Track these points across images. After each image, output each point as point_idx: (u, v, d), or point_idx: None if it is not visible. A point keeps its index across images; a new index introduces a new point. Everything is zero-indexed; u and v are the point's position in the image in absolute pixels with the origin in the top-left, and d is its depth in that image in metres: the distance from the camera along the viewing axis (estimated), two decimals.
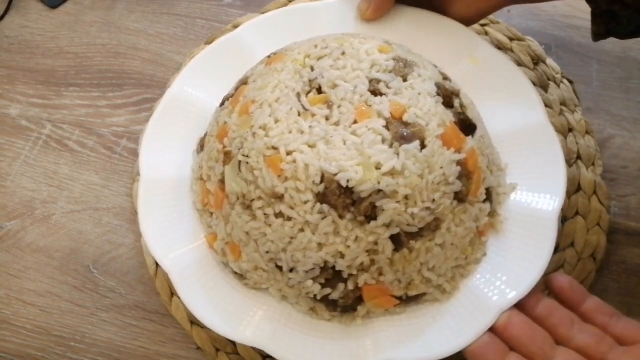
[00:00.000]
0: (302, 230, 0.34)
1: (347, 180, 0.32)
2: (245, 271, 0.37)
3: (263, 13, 0.60)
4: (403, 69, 0.36)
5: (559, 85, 0.55)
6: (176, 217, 0.39)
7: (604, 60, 0.57)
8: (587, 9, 0.61)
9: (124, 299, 0.48)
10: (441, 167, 0.34)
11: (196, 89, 0.43)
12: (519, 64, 0.56)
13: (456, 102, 0.37)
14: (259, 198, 0.35)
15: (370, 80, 0.36)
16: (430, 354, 0.34)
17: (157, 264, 0.48)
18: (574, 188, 0.50)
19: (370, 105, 0.35)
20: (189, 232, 0.39)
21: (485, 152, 0.37)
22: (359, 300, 0.36)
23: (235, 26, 0.59)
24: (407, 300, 0.36)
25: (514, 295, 0.35)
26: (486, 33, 0.58)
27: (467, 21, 0.46)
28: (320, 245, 0.34)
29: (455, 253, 0.36)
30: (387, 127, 0.34)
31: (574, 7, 0.61)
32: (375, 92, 0.35)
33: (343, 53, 0.37)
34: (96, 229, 0.51)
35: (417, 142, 0.33)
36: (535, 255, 0.36)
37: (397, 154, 0.33)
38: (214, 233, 0.38)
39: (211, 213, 0.39)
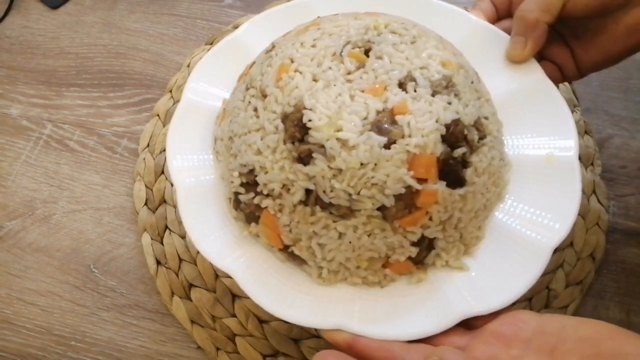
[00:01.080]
0: (257, 130, 0.37)
1: (309, 120, 0.34)
2: (217, 137, 0.41)
3: None
4: (442, 87, 0.36)
5: (558, 86, 0.55)
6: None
7: None
8: None
9: (125, 299, 0.48)
10: (387, 175, 0.34)
11: (255, 42, 0.45)
12: None
13: (460, 150, 0.35)
14: (255, 88, 0.38)
15: (408, 75, 0.36)
16: (277, 307, 0.36)
17: (157, 264, 0.48)
18: None
19: (386, 90, 0.35)
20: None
21: (452, 211, 0.36)
22: (256, 218, 0.38)
23: (236, 27, 0.60)
24: (290, 254, 0.38)
25: (351, 324, 0.35)
26: None
27: (606, 62, 0.42)
28: (258, 151, 0.36)
29: (349, 253, 0.37)
30: (378, 113, 0.34)
31: None
32: (401, 85, 0.36)
33: (413, 42, 0.38)
34: (97, 229, 0.51)
35: (384, 140, 0.33)
36: (406, 325, 0.35)
37: (361, 134, 0.34)
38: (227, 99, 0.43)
39: (238, 82, 0.43)
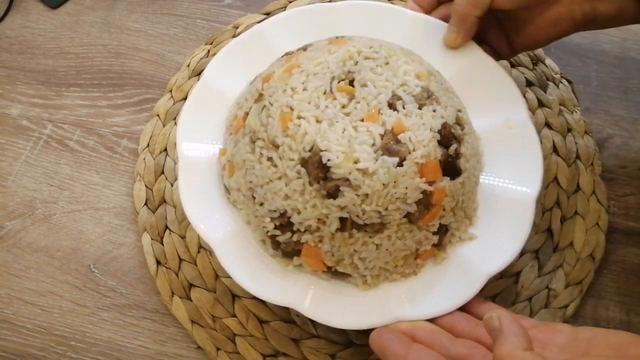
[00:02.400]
0: (279, 178, 0.39)
1: (328, 160, 0.38)
2: (231, 188, 0.43)
3: (263, 14, 0.61)
4: (424, 99, 0.40)
5: (558, 86, 0.55)
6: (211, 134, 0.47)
7: (603, 60, 0.58)
8: None
9: (125, 299, 0.48)
10: (406, 188, 0.38)
11: (223, 81, 0.48)
12: (518, 64, 0.56)
13: (453, 147, 0.40)
14: (263, 139, 0.41)
15: (393, 95, 0.40)
16: (339, 320, 0.41)
17: (157, 264, 0.48)
18: (573, 188, 0.50)
19: (381, 114, 0.39)
20: (211, 148, 0.46)
21: (457, 197, 0.41)
22: (297, 252, 0.41)
23: (236, 27, 0.60)
24: (334, 273, 0.42)
25: (404, 311, 0.40)
26: None
27: (535, 45, 0.48)
28: (286, 197, 0.39)
29: (387, 258, 0.41)
30: (382, 136, 0.38)
31: None
32: (391, 105, 0.39)
33: (387, 63, 0.41)
34: (97, 229, 0.51)
35: (396, 159, 0.38)
36: (447, 298, 0.41)
37: (376, 160, 0.38)
38: (225, 149, 0.45)
39: (231, 133, 0.45)
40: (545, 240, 0.48)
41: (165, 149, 0.53)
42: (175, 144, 0.45)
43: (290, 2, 0.61)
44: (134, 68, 0.59)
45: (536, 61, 0.56)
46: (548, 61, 0.56)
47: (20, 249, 0.50)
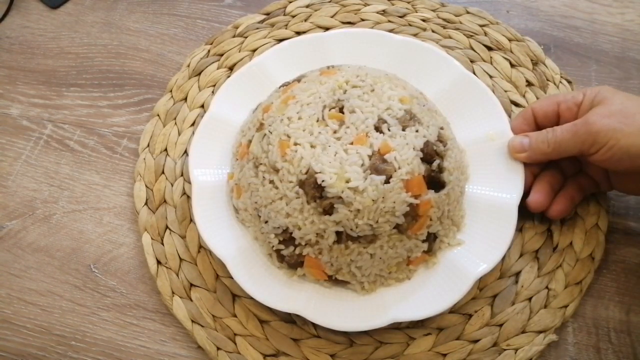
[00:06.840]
0: (280, 199, 0.44)
1: (322, 181, 0.41)
2: (239, 208, 0.48)
3: (263, 14, 0.61)
4: (407, 120, 0.44)
5: (558, 86, 0.55)
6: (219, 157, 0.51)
7: (602, 60, 0.58)
8: (586, 9, 0.62)
9: (125, 299, 0.48)
10: (393, 202, 0.42)
11: (228, 111, 0.52)
12: (518, 64, 0.56)
13: (436, 162, 0.44)
14: (265, 164, 0.45)
15: (379, 119, 0.43)
16: (342, 323, 0.44)
17: (158, 264, 0.48)
18: None
19: (368, 137, 0.42)
20: (220, 172, 0.51)
21: (443, 207, 0.44)
22: (301, 264, 0.45)
23: (236, 27, 0.60)
24: (335, 281, 0.45)
25: (400, 313, 0.44)
26: (485, 34, 0.58)
27: (634, 194, 0.48)
28: (287, 215, 0.43)
29: (381, 266, 0.45)
30: (370, 157, 0.42)
31: (573, 8, 0.61)
32: (377, 128, 0.43)
33: (372, 90, 0.45)
34: (97, 229, 0.51)
35: (383, 177, 0.41)
36: (439, 299, 0.44)
37: (366, 179, 0.41)
38: (232, 174, 0.49)
39: (237, 159, 0.49)
40: (544, 241, 0.49)
41: (166, 149, 0.53)
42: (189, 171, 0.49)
43: (290, 2, 0.61)
44: (134, 68, 0.59)
45: (536, 61, 0.56)
46: (548, 61, 0.56)
47: (21, 249, 0.50)
